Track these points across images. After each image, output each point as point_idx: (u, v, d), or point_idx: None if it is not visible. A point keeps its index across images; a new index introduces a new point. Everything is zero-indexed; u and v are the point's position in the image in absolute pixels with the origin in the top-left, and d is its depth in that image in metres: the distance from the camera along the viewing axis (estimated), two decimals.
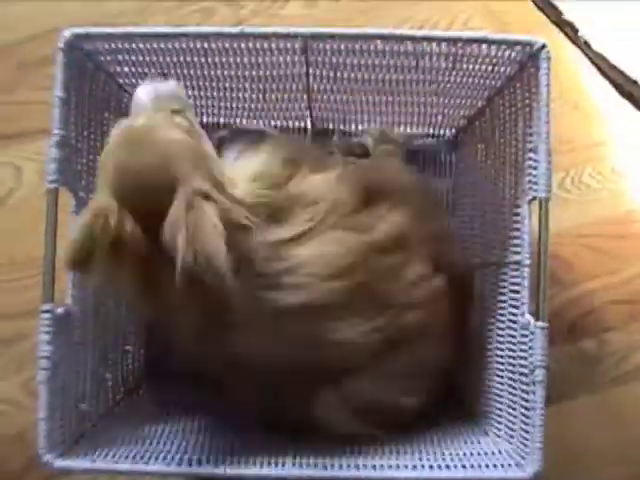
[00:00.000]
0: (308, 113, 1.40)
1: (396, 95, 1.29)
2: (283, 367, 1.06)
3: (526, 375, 1.04)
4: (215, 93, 1.32)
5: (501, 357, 1.16)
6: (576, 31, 1.56)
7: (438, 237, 1.19)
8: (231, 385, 1.13)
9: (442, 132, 1.47)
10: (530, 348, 1.03)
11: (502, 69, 1.14)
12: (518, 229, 1.10)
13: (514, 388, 1.09)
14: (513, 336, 1.11)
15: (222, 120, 1.44)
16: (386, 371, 1.12)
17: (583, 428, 1.42)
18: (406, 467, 1.03)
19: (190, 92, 1.30)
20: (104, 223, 0.92)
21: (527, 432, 1.03)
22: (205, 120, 1.43)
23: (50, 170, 1.03)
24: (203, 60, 1.16)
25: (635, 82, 1.52)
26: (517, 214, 1.11)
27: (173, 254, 0.90)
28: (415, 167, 1.45)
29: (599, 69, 1.57)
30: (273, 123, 1.45)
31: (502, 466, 1.04)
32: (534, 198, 1.05)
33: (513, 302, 1.12)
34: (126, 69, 1.20)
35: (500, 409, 1.15)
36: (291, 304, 1.03)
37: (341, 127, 1.46)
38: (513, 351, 1.10)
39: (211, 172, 0.98)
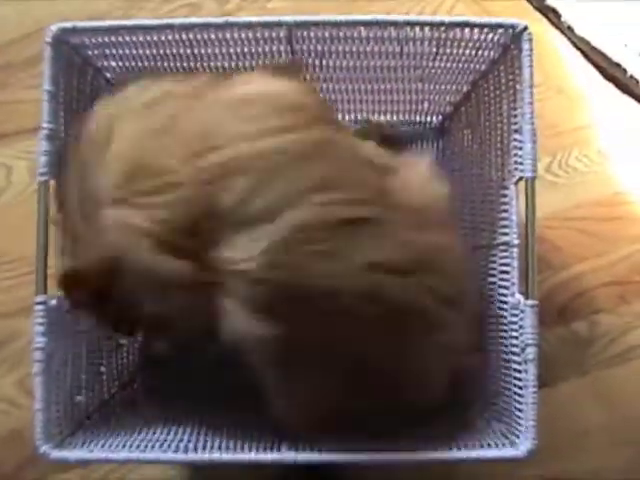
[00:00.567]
0: None
1: (382, 82, 1.31)
2: None
3: (518, 354, 1.06)
4: None
5: (493, 338, 1.18)
6: (559, 16, 1.59)
7: None
8: None
9: (429, 119, 1.49)
10: (521, 327, 1.05)
11: (486, 53, 1.16)
12: (506, 210, 1.13)
13: (507, 368, 1.12)
14: (504, 317, 1.13)
15: None
16: None
17: (575, 410, 1.44)
18: (401, 450, 1.04)
19: None
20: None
21: (520, 411, 1.05)
22: None
23: (41, 163, 1.05)
24: (189, 51, 1.17)
25: (618, 65, 1.55)
26: (504, 195, 1.14)
27: None
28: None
29: (582, 53, 1.60)
30: None
31: (496, 445, 1.05)
32: (520, 178, 1.07)
33: (503, 283, 1.14)
34: (113, 63, 1.22)
35: (495, 390, 1.17)
36: None
37: None
38: (505, 331, 1.13)
39: None
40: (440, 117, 1.48)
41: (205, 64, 1.22)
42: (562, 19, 1.58)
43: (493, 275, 1.19)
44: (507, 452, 1.03)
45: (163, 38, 1.12)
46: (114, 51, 1.17)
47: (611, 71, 1.57)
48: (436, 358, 1.09)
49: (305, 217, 0.95)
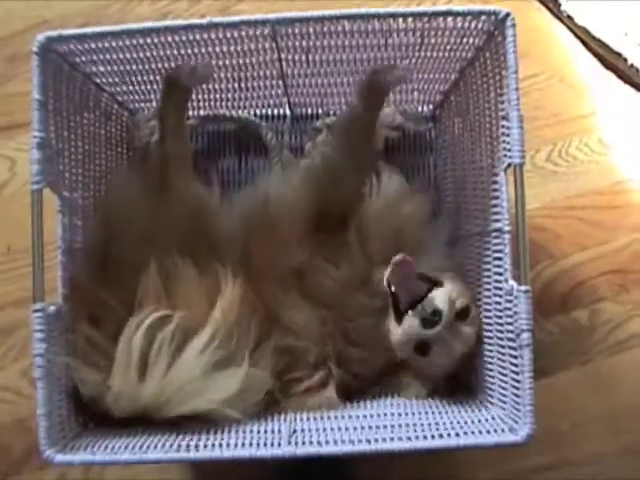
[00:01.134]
0: (286, 99, 1.45)
1: None
2: None
3: (513, 340, 1.08)
4: None
5: (489, 325, 1.20)
6: (559, 5, 1.60)
7: None
8: None
9: (420, 109, 1.51)
10: (515, 313, 1.07)
11: (470, 40, 1.18)
12: (497, 197, 1.15)
13: (503, 354, 1.14)
14: (499, 303, 1.15)
15: (201, 112, 1.50)
16: None
17: (575, 398, 1.47)
18: (401, 439, 1.07)
19: None
20: None
21: (518, 396, 1.07)
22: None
23: (33, 171, 1.07)
24: (176, 52, 1.20)
25: (618, 54, 1.56)
26: (495, 182, 1.15)
27: None
28: (396, 146, 1.50)
29: (583, 42, 1.61)
30: (252, 111, 1.50)
31: (495, 431, 1.08)
32: (509, 165, 1.09)
33: (497, 269, 1.16)
34: (102, 68, 1.24)
35: (491, 376, 1.19)
36: None
37: (319, 111, 1.51)
38: (500, 318, 1.15)
39: None
40: (431, 106, 1.51)
41: (192, 64, 1.23)
42: (562, 8, 1.59)
43: (487, 262, 1.20)
44: (506, 438, 1.06)
45: (149, 41, 1.15)
46: (101, 56, 1.19)
47: (611, 60, 1.59)
48: None
49: None
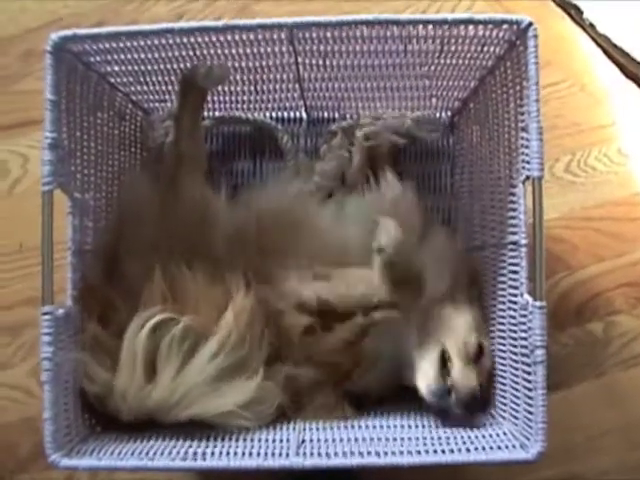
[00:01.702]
0: (302, 102, 1.44)
1: (387, 80, 1.32)
2: None
3: (527, 356, 1.07)
4: None
5: (503, 338, 1.20)
6: (581, 13, 1.58)
7: None
8: None
9: (437, 115, 1.50)
10: (530, 329, 1.06)
11: (491, 49, 1.17)
12: (515, 209, 1.14)
13: (516, 369, 1.13)
14: (513, 317, 1.15)
15: (216, 114, 1.49)
16: None
17: (589, 411, 1.46)
18: (410, 453, 1.07)
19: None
20: None
21: (530, 413, 1.06)
22: None
23: (44, 172, 1.07)
24: (191, 53, 1.19)
25: (639, 63, 1.54)
26: (513, 194, 1.14)
27: None
28: (413, 151, 1.50)
29: (604, 51, 1.60)
30: (268, 114, 1.49)
31: (507, 447, 1.08)
32: (527, 178, 1.08)
33: (512, 283, 1.15)
34: (117, 68, 1.24)
35: (504, 390, 1.19)
36: None
37: (335, 115, 1.49)
38: (514, 332, 1.14)
39: None
40: (449, 113, 1.49)
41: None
42: (584, 16, 1.58)
43: (503, 275, 1.20)
44: (517, 455, 1.06)
45: (164, 42, 1.14)
46: (116, 56, 1.19)
47: (632, 69, 1.57)
48: None
49: None
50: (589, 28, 1.58)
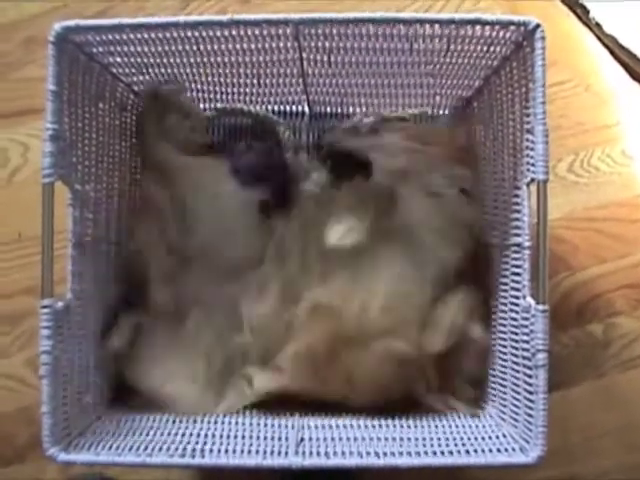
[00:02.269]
0: (305, 97, 1.43)
1: (392, 77, 1.31)
2: None
3: (529, 359, 1.08)
4: (210, 79, 1.36)
5: (504, 340, 1.20)
6: (587, 12, 1.58)
7: None
8: None
9: (441, 113, 1.49)
10: (532, 332, 1.07)
11: (497, 49, 1.17)
12: (518, 211, 1.14)
13: (517, 372, 1.13)
14: (515, 319, 1.15)
15: (219, 105, 1.48)
16: None
17: (590, 412, 1.46)
18: (409, 454, 1.07)
19: (184, 78, 1.35)
20: None
21: (531, 416, 1.06)
22: (202, 106, 1.47)
23: (45, 164, 1.06)
24: (195, 48, 1.19)
25: None
26: (517, 196, 1.14)
27: None
28: None
29: (610, 51, 1.59)
30: (270, 107, 1.48)
31: (506, 450, 1.08)
32: (532, 180, 1.08)
33: (515, 285, 1.15)
34: (119, 59, 1.23)
35: (504, 393, 1.19)
36: None
37: (338, 110, 1.49)
38: (516, 334, 1.14)
39: None
40: (452, 111, 1.48)
41: (212, 59, 1.25)
42: (590, 15, 1.58)
43: (505, 276, 1.20)
44: (517, 458, 1.06)
45: (168, 35, 1.13)
46: (119, 48, 1.18)
47: (638, 70, 1.57)
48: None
49: None
50: (595, 28, 1.58)
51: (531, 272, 1.09)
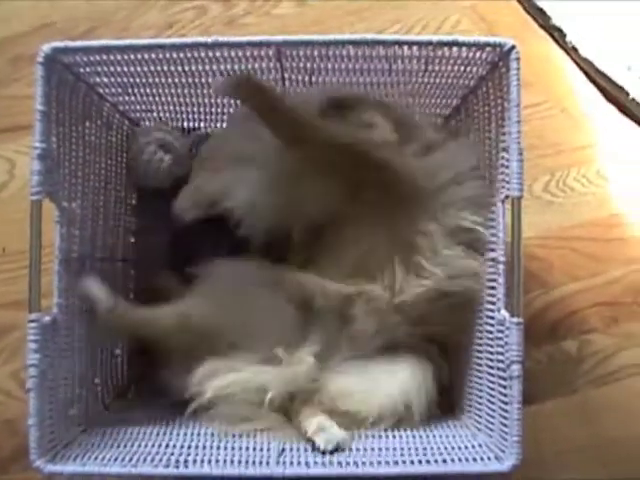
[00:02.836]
0: None
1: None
2: None
3: (504, 370, 1.11)
4: (194, 99, 1.39)
5: (480, 352, 1.23)
6: (564, 36, 1.63)
7: None
8: None
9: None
10: (506, 344, 1.10)
11: (474, 69, 1.21)
12: (493, 227, 1.18)
13: (492, 383, 1.17)
14: (490, 332, 1.18)
15: (202, 125, 1.52)
16: None
17: (562, 427, 1.49)
18: (388, 463, 1.10)
19: (169, 99, 1.38)
20: None
21: (506, 426, 1.09)
22: (185, 125, 1.51)
23: (33, 182, 1.09)
24: (180, 69, 1.22)
25: (621, 87, 1.59)
26: (492, 212, 1.18)
27: None
28: None
29: (586, 74, 1.64)
30: None
31: (482, 459, 1.11)
32: (507, 197, 1.12)
33: (490, 298, 1.19)
34: (105, 79, 1.26)
35: (480, 403, 1.22)
36: None
37: None
38: (491, 347, 1.18)
39: None
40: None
41: (196, 80, 1.28)
42: (567, 39, 1.62)
43: (481, 290, 1.23)
44: (492, 466, 1.09)
45: (154, 56, 1.17)
46: (106, 68, 1.22)
47: (614, 93, 1.62)
48: None
49: None
50: (572, 51, 1.63)
51: (506, 286, 1.13)
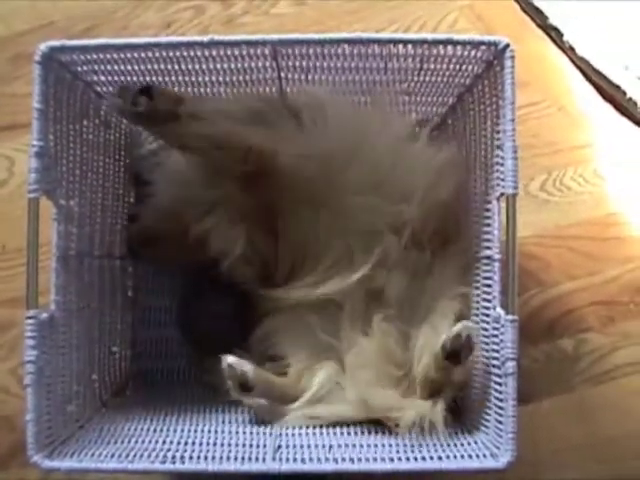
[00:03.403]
0: None
1: (368, 95, 1.36)
2: None
3: (499, 368, 1.12)
4: None
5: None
6: (561, 35, 1.64)
7: None
8: None
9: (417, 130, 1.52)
10: (501, 341, 1.11)
11: (469, 68, 1.22)
12: (489, 224, 1.18)
13: (488, 380, 1.17)
14: (486, 329, 1.19)
15: None
16: None
17: (558, 426, 1.50)
18: (383, 460, 1.11)
19: None
20: None
21: (501, 423, 1.11)
22: None
23: (31, 180, 1.10)
24: (177, 67, 1.23)
25: (618, 87, 1.60)
26: (488, 209, 1.19)
27: None
28: None
29: (583, 73, 1.65)
30: None
31: (477, 456, 1.12)
32: (502, 194, 1.12)
33: (485, 296, 1.20)
34: (103, 78, 1.27)
35: (476, 400, 1.23)
36: None
37: None
38: (486, 344, 1.19)
39: None
40: (428, 128, 1.52)
41: (193, 79, 1.29)
42: (564, 38, 1.63)
43: (477, 288, 1.25)
44: (487, 463, 1.10)
45: (150, 55, 1.18)
46: (103, 67, 1.23)
47: (610, 92, 1.63)
48: None
49: None
50: (569, 50, 1.64)
51: (501, 284, 1.13)
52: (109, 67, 1.23)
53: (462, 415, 1.27)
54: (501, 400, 1.11)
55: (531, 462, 1.40)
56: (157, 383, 1.49)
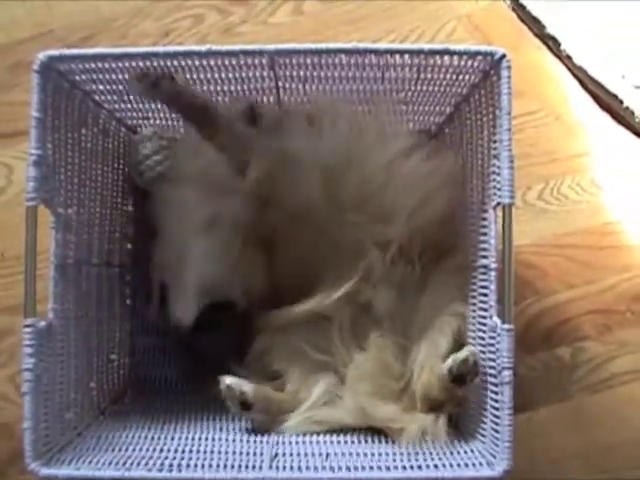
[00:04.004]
0: None
1: (365, 105, 1.37)
2: None
3: (495, 376, 1.12)
4: None
5: None
6: (559, 44, 1.64)
7: None
8: None
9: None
10: (498, 350, 1.11)
11: (466, 77, 1.22)
12: (485, 234, 1.19)
13: (484, 389, 1.18)
14: (482, 338, 1.20)
15: None
16: None
17: (555, 434, 1.50)
18: (380, 468, 1.12)
19: (165, 107, 1.38)
20: None
21: (497, 432, 1.11)
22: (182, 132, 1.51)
23: (29, 188, 1.11)
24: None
25: (615, 96, 1.61)
26: (484, 219, 1.19)
27: None
28: None
29: (580, 82, 1.65)
30: None
31: (474, 465, 1.12)
32: (498, 204, 1.13)
33: (482, 305, 1.20)
34: (101, 87, 1.28)
35: (472, 408, 1.23)
36: None
37: None
38: (483, 353, 1.19)
39: None
40: (424, 142, 1.52)
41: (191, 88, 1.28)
42: (561, 47, 1.64)
43: (473, 297, 1.25)
44: (483, 472, 1.10)
45: (149, 64, 1.18)
46: (101, 76, 1.23)
47: (607, 101, 1.63)
48: None
49: None
50: (566, 59, 1.64)
51: (497, 293, 1.14)
52: (107, 76, 1.23)
53: (459, 423, 1.28)
54: (497, 409, 1.11)
55: (528, 471, 1.40)
56: (155, 391, 1.49)
